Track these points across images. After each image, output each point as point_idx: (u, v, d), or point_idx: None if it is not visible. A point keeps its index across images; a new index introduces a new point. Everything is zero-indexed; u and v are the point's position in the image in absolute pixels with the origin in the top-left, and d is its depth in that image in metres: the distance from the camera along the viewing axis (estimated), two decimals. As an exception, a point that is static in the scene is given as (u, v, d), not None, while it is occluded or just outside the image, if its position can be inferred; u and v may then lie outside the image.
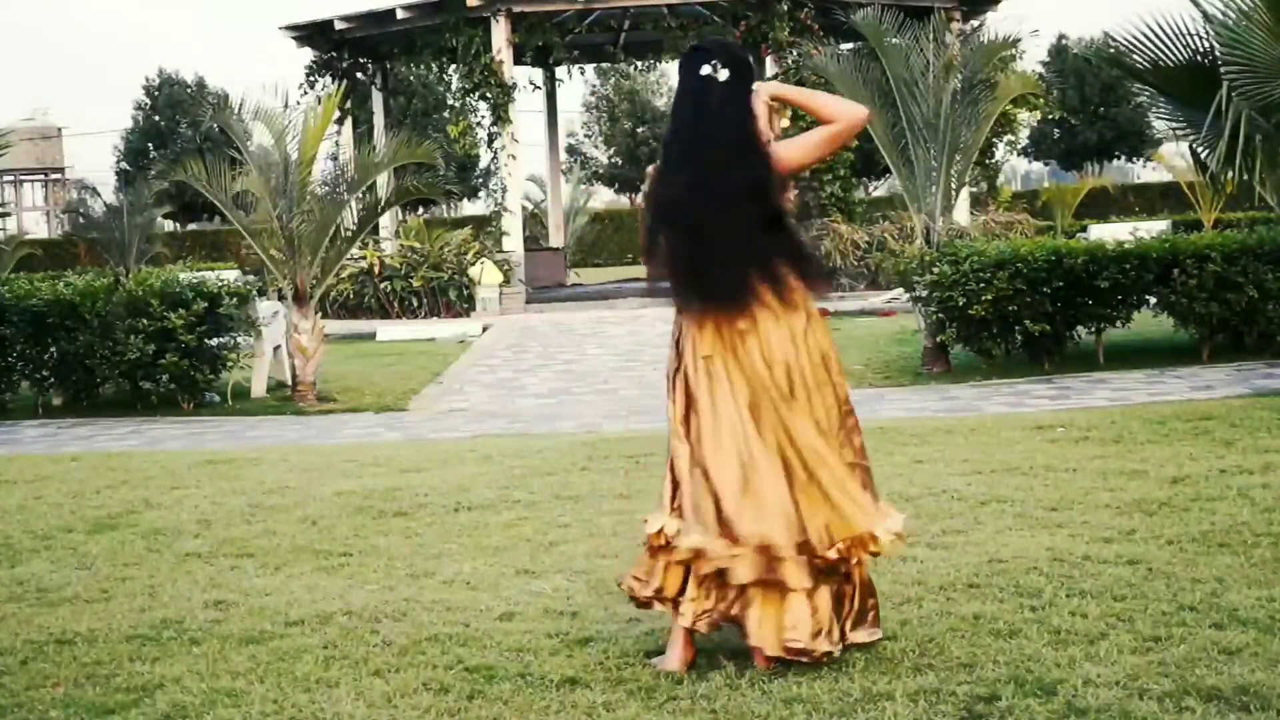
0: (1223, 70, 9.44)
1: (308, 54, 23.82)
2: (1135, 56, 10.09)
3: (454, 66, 23.96)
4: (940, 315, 12.04)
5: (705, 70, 4.10)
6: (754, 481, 3.98)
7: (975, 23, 22.01)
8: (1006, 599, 4.62)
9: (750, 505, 3.97)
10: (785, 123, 4.21)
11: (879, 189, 40.33)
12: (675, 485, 4.12)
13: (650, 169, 4.30)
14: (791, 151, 4.18)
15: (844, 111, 4.20)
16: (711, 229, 4.05)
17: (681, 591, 4.07)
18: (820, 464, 4.03)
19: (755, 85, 4.16)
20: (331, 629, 4.67)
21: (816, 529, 3.99)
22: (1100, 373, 11.58)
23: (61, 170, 51.51)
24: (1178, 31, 9.78)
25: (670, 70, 41.51)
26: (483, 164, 38.65)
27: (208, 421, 11.56)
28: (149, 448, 10.01)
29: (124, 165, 48.03)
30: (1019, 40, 15.09)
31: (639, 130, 48.37)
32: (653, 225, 4.25)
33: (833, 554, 3.99)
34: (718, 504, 3.99)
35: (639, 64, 38.08)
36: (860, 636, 4.14)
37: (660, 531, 4.07)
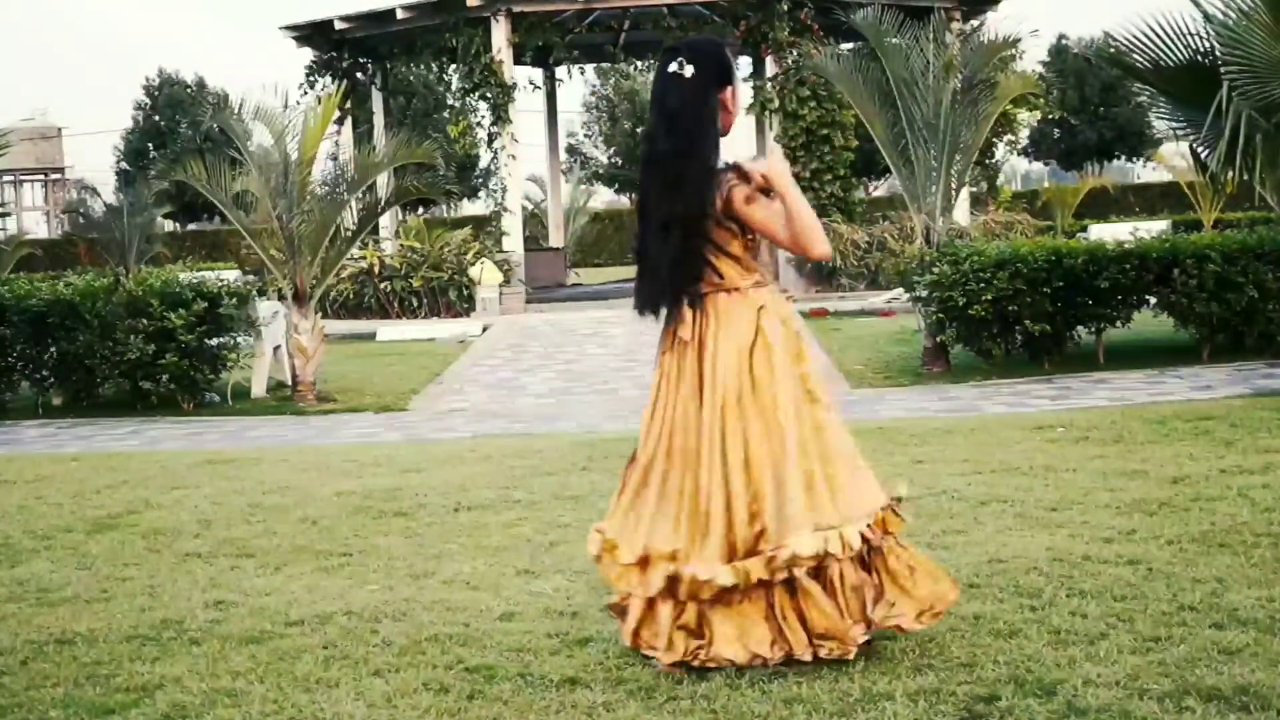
0: (1223, 70, 9.45)
1: (308, 54, 23.83)
2: (1135, 56, 10.09)
3: (454, 66, 23.98)
4: (940, 315, 12.04)
5: (672, 68, 4.11)
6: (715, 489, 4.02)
7: (975, 23, 22.00)
8: (1006, 599, 4.62)
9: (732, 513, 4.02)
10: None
11: (879, 189, 40.34)
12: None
13: None
14: (755, 212, 4.05)
15: (813, 244, 4.04)
16: (647, 230, 4.15)
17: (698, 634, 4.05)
18: (802, 451, 4.04)
19: (773, 147, 4.18)
20: (331, 629, 4.67)
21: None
22: (1100, 373, 11.58)
23: (61, 170, 51.53)
24: (1178, 31, 9.78)
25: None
26: (483, 164, 38.63)
27: (208, 421, 11.56)
28: (149, 448, 10.01)
29: (124, 165, 48.03)
30: (1019, 40, 15.12)
31: (639, 130, 48.32)
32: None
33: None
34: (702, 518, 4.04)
35: (639, 64, 38.02)
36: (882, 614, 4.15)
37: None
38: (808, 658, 4.00)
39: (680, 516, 4.05)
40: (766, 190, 4.06)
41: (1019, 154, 43.75)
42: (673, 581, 4.01)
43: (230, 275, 14.79)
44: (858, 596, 4.04)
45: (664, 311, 4.19)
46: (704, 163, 4.07)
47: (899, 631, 4.14)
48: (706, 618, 4.02)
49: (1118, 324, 12.19)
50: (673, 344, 4.17)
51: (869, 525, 4.04)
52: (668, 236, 4.10)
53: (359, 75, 24.23)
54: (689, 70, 4.08)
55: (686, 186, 4.05)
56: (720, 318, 4.10)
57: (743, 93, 4.33)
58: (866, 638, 4.06)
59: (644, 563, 4.07)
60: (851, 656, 3.99)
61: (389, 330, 18.76)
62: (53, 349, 12.27)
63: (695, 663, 4.01)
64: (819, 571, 4.00)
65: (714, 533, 3.99)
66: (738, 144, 4.35)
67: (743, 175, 4.07)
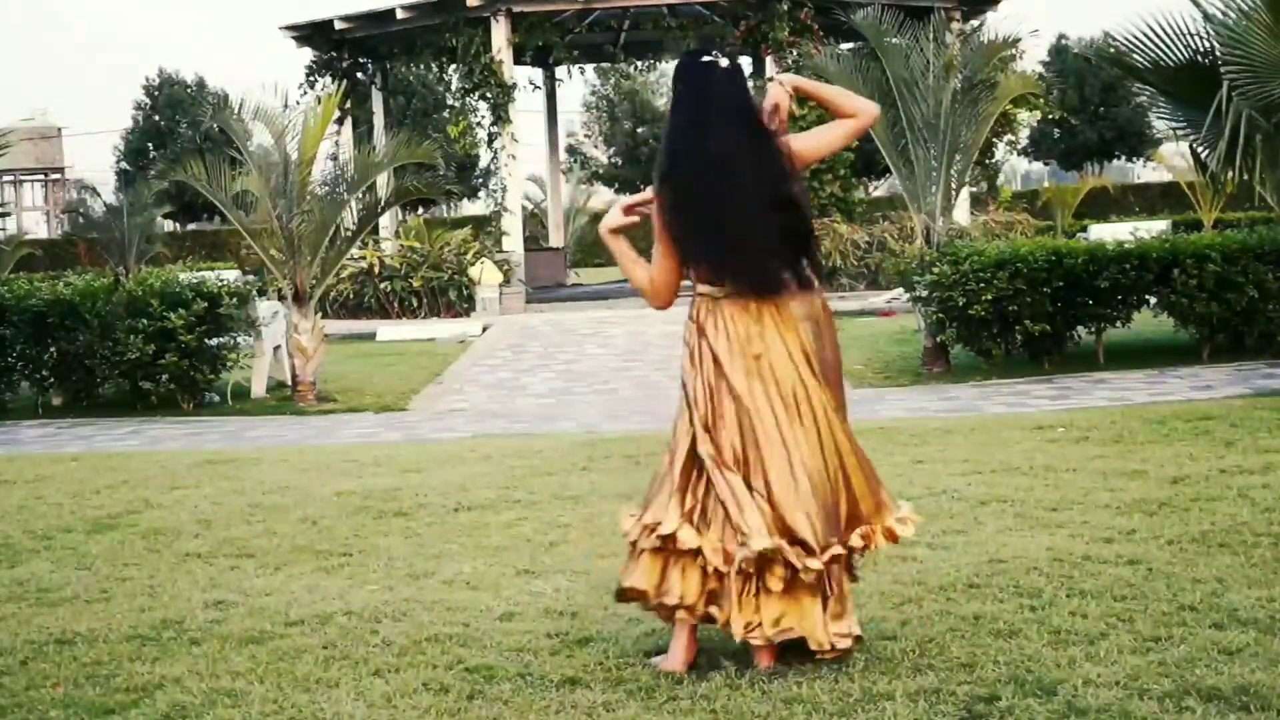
0: (1223, 70, 9.45)
1: (308, 54, 23.83)
2: (1135, 56, 10.10)
3: (454, 66, 23.97)
4: (940, 315, 12.04)
5: (707, 59, 4.12)
6: (801, 477, 3.97)
7: (975, 23, 21.99)
8: (1006, 599, 4.62)
9: (803, 502, 3.96)
10: (793, 110, 4.22)
11: (879, 189, 40.31)
12: (687, 489, 4.05)
13: (653, 187, 4.16)
14: (807, 144, 4.23)
15: (862, 107, 4.27)
16: (733, 215, 4.03)
17: (708, 600, 4.00)
18: (849, 454, 4.07)
19: (780, 76, 4.22)
20: (331, 629, 4.67)
21: (859, 518, 4.05)
22: (1100, 373, 11.58)
23: (61, 170, 51.53)
24: (1178, 31, 9.79)
25: (671, 70, 41.48)
26: (483, 164, 38.63)
27: (208, 421, 11.56)
28: (149, 448, 10.01)
29: (124, 165, 48.02)
30: (1019, 40, 15.09)
31: (639, 130, 48.33)
32: (673, 222, 4.09)
33: (857, 542, 4.04)
34: (773, 505, 3.95)
35: (639, 64, 38.06)
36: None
37: (673, 534, 3.98)
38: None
39: (754, 500, 3.98)
40: (790, 114, 4.17)
41: (1019, 154, 43.74)
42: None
43: (230, 275, 14.80)
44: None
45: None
46: (760, 126, 4.09)
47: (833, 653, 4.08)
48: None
49: (1118, 324, 12.20)
50: (760, 339, 4.06)
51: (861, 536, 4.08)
52: (774, 218, 4.05)
53: (359, 75, 24.24)
54: (724, 62, 4.12)
55: (777, 165, 4.06)
56: (779, 309, 4.08)
57: None
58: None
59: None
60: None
61: (389, 330, 18.76)
62: (53, 349, 12.26)
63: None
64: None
65: (818, 514, 3.97)
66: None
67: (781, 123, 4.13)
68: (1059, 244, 12.31)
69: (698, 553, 3.97)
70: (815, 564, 3.91)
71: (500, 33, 20.73)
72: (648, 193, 4.17)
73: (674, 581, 4.01)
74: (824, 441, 4.02)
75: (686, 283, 4.20)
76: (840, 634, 4.00)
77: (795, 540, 3.92)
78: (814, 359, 4.10)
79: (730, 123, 4.05)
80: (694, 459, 4.05)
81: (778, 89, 4.18)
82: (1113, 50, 10.67)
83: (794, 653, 4.04)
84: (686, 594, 4.00)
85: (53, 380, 12.52)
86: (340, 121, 22.01)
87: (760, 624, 3.95)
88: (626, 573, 4.10)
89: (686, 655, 4.06)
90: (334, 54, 23.58)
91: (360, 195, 13.41)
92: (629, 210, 4.20)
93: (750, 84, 4.22)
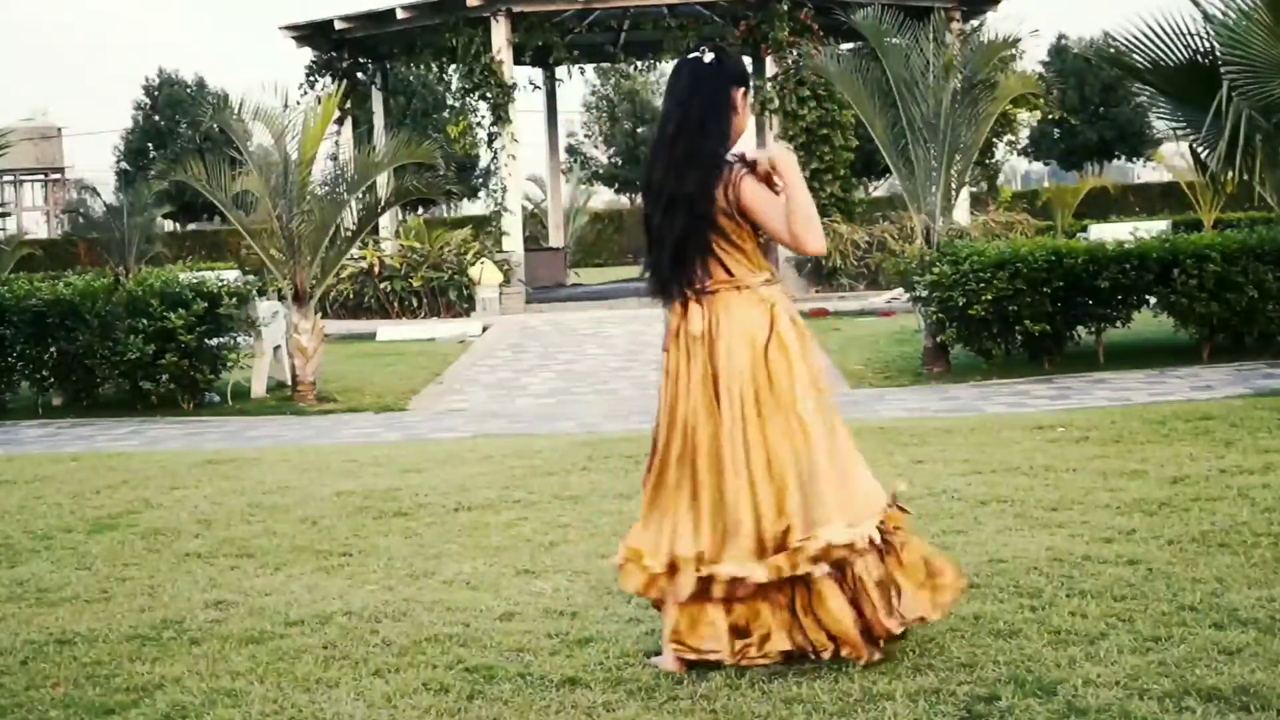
0: (1223, 70, 9.44)
1: (308, 54, 23.83)
2: (1135, 56, 10.09)
3: (454, 66, 23.97)
4: (940, 315, 12.04)
5: (693, 55, 4.16)
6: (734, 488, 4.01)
7: (975, 23, 22.02)
8: (1006, 599, 4.62)
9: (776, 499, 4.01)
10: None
11: (879, 189, 40.33)
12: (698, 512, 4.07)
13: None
14: (758, 197, 4.03)
15: (801, 234, 4.00)
16: (660, 210, 4.12)
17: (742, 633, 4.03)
18: (816, 448, 4.05)
19: (775, 154, 4.09)
20: (331, 629, 4.67)
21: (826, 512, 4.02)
22: (1100, 373, 11.58)
23: (61, 170, 51.54)
24: (1178, 31, 9.78)
25: (670, 70, 41.45)
26: (483, 164, 38.64)
27: (208, 421, 11.56)
28: (149, 448, 10.01)
29: (124, 165, 48.03)
30: (1019, 40, 15.11)
31: (639, 130, 48.36)
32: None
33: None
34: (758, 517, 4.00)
35: (639, 64, 38.05)
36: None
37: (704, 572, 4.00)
38: (827, 656, 4.00)
39: (702, 518, 4.02)
40: (770, 181, 4.06)
41: (1019, 154, 43.75)
42: (705, 583, 3.99)
43: (230, 275, 14.80)
44: (883, 592, 4.02)
45: (673, 303, 4.14)
46: (713, 145, 4.07)
47: (921, 624, 4.12)
48: (756, 615, 4.01)
49: (1118, 324, 12.19)
50: (679, 339, 4.12)
51: (881, 522, 4.05)
52: (674, 217, 4.08)
53: (359, 75, 24.24)
54: (709, 57, 4.12)
55: (693, 166, 4.04)
56: (731, 315, 4.06)
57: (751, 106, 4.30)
58: (901, 630, 4.04)
59: (672, 569, 4.03)
60: (864, 660, 3.97)
61: (389, 330, 18.76)
62: (53, 349, 12.27)
63: (744, 662, 4.00)
64: (842, 570, 3.99)
65: (743, 532, 3.97)
66: (738, 146, 4.36)
67: (750, 165, 4.07)
68: (1059, 244, 12.30)
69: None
70: (758, 567, 3.94)
71: (500, 33, 20.73)
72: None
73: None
74: (775, 439, 4.02)
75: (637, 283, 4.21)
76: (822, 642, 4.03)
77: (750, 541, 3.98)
78: (771, 359, 4.07)
79: (678, 118, 4.08)
80: (665, 462, 4.12)
81: (764, 162, 4.06)
82: (1113, 50, 10.67)
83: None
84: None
85: (53, 380, 12.52)
86: (340, 121, 22.01)
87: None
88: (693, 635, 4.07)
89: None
90: (334, 54, 23.58)
91: (360, 195, 13.41)
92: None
93: (741, 79, 4.17)
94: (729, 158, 4.09)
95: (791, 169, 4.03)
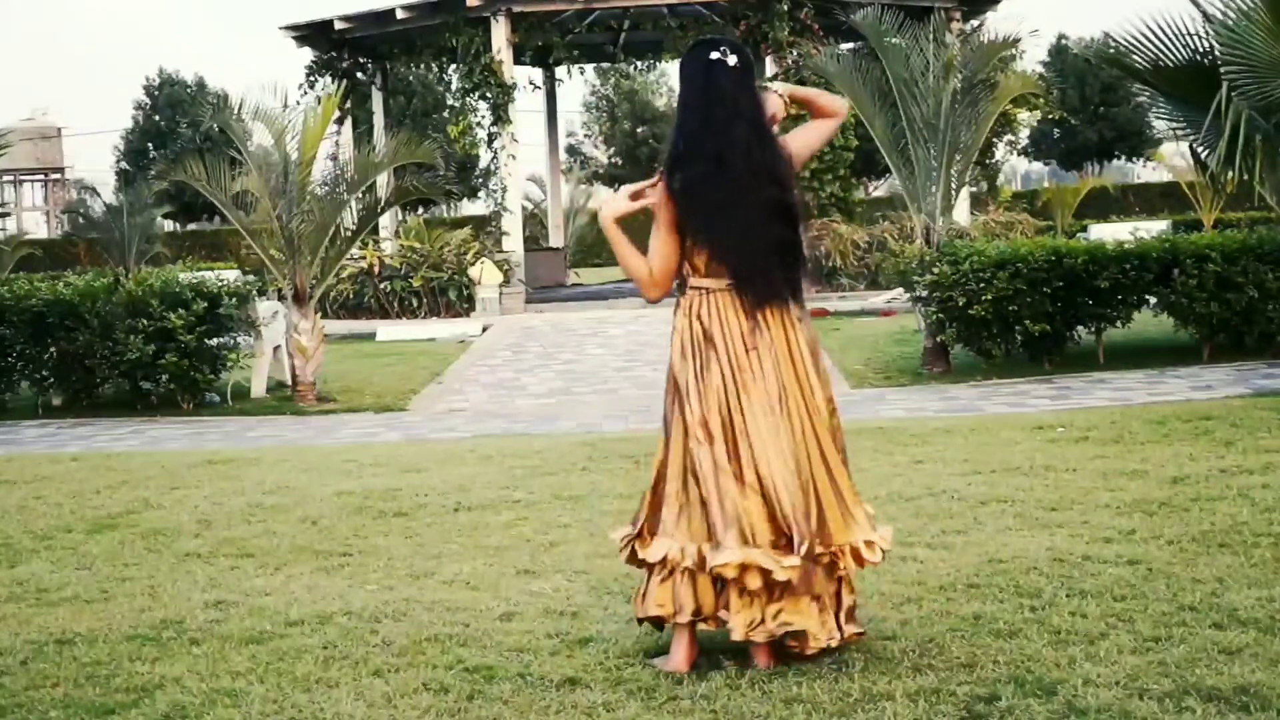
0: (1223, 70, 9.44)
1: (308, 54, 23.82)
2: (1135, 57, 10.09)
3: (454, 66, 23.96)
4: (940, 315, 12.04)
5: (715, 55, 4.11)
6: (802, 482, 4.02)
7: (975, 23, 22.00)
8: (1006, 599, 4.62)
9: (808, 508, 4.01)
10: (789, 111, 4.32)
11: (879, 189, 40.32)
12: (680, 496, 4.09)
13: (658, 176, 4.17)
14: (798, 147, 4.30)
15: (839, 106, 4.41)
16: (743, 219, 4.06)
17: (723, 606, 4.03)
18: (834, 463, 4.09)
19: (774, 85, 4.30)
20: (331, 629, 4.67)
21: (826, 531, 4.03)
22: (1100, 373, 11.58)
23: (61, 170, 51.54)
24: (1178, 31, 9.78)
25: (671, 70, 41.49)
26: (483, 164, 38.66)
27: (208, 421, 11.56)
28: (149, 448, 10.01)
29: (124, 165, 48.03)
30: (1019, 40, 15.10)
31: (639, 130, 48.33)
32: (688, 212, 4.09)
33: (826, 557, 4.03)
34: (771, 510, 3.98)
35: (639, 64, 38.06)
36: (853, 629, 4.14)
37: (665, 557, 4.06)
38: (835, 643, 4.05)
39: (741, 508, 4.00)
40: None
41: (1019, 154, 43.73)
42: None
43: (230, 275, 14.80)
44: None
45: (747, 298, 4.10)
46: (767, 127, 4.14)
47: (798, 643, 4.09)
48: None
49: (1118, 324, 12.19)
50: (753, 334, 4.08)
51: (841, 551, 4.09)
52: (771, 225, 4.10)
53: (359, 75, 24.23)
54: (733, 59, 4.13)
55: (780, 175, 4.11)
56: (777, 315, 4.11)
57: None
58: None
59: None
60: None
61: (389, 330, 18.76)
62: (53, 349, 12.26)
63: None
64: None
65: (765, 525, 3.99)
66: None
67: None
68: (1059, 244, 12.30)
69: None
70: (792, 561, 3.93)
71: (500, 33, 20.73)
72: (651, 181, 4.18)
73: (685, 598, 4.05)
74: (804, 444, 4.04)
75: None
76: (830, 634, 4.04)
77: (783, 537, 3.96)
78: (811, 360, 4.12)
79: (741, 124, 4.07)
80: (683, 460, 4.08)
81: (775, 98, 4.24)
82: (1113, 50, 10.66)
83: (793, 653, 4.04)
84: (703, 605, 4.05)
85: (53, 380, 12.52)
86: (340, 121, 22.00)
87: (762, 620, 3.96)
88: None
89: (688, 655, 4.06)
90: (334, 54, 23.57)
91: (360, 195, 13.41)
92: (635, 196, 4.19)
93: (755, 76, 4.23)
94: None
95: (799, 90, 4.39)
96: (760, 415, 4.01)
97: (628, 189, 4.24)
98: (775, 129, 4.19)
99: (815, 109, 4.37)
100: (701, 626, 4.10)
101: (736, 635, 3.98)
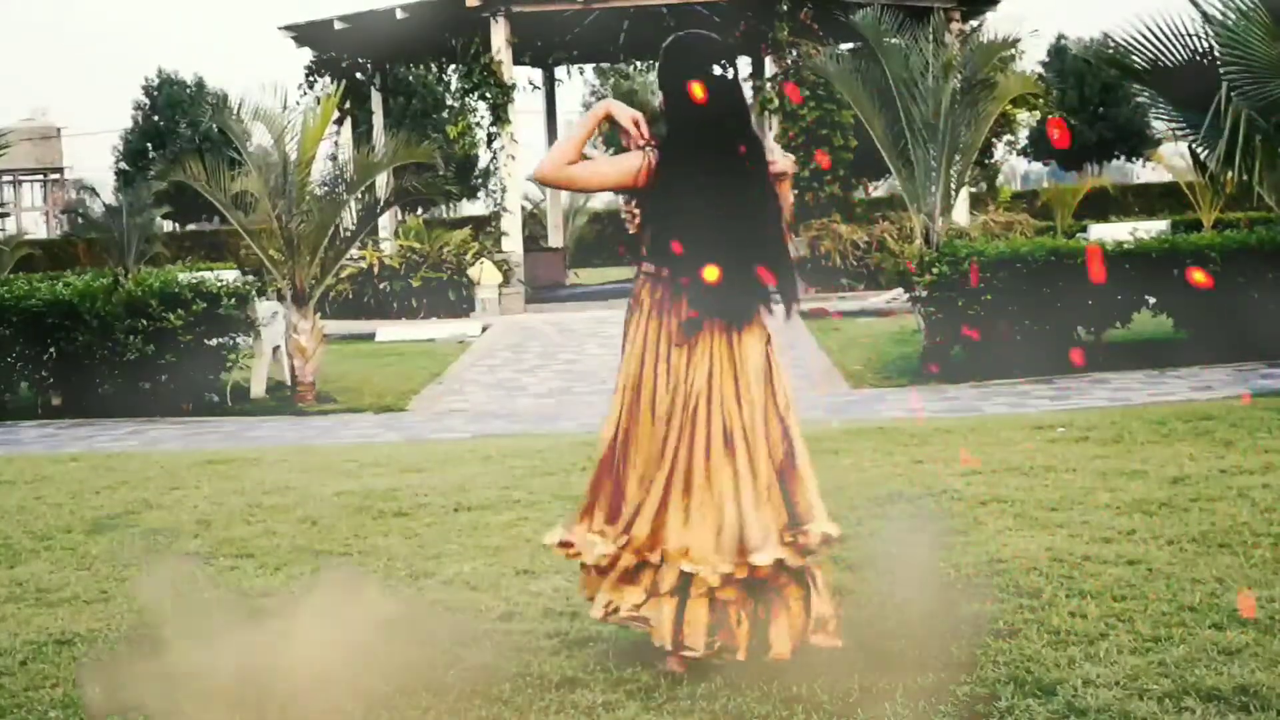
0: (1222, 70, 9.44)
1: (307, 54, 23.82)
2: (1134, 58, 10.08)
3: (453, 66, 23.97)
4: (940, 315, 12.03)
5: (717, 70, 4.11)
6: (680, 481, 4.04)
7: (975, 23, 22.01)
8: (1006, 599, 4.62)
9: (674, 509, 4.03)
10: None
11: (879, 189, 40.32)
12: (609, 498, 4.17)
13: (645, 158, 4.10)
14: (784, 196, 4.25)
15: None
16: (734, 229, 4.06)
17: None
18: (755, 471, 4.06)
19: (782, 161, 4.20)
20: (331, 629, 4.66)
21: (743, 539, 4.03)
22: (1100, 373, 11.57)
23: (61, 170, 51.55)
24: (1177, 32, 9.77)
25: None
26: (482, 164, 38.66)
27: (207, 421, 11.55)
28: (148, 448, 10.00)
29: (123, 165, 48.04)
30: (1018, 40, 15.11)
31: (638, 130, 48.28)
32: (659, 201, 4.09)
33: (757, 565, 3.99)
34: (627, 499, 4.08)
35: (639, 64, 38.02)
36: (819, 641, 4.09)
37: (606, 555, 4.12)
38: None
39: (700, 514, 4.03)
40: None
41: (1019, 154, 43.76)
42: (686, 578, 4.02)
43: (230, 275, 14.80)
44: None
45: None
46: (759, 149, 4.16)
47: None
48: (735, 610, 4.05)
49: (1118, 324, 12.19)
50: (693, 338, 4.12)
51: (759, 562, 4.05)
52: (759, 218, 4.12)
53: (358, 75, 24.22)
54: (730, 73, 4.14)
55: (768, 190, 4.13)
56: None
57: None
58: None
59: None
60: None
61: (388, 330, 18.76)
62: (52, 349, 12.25)
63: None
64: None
65: (728, 530, 4.00)
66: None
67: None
68: (1059, 244, 12.30)
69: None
70: (602, 548, 4.08)
71: (500, 33, 20.72)
72: (647, 140, 4.13)
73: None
74: (679, 449, 4.05)
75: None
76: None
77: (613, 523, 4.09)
78: (746, 368, 4.09)
79: (734, 146, 4.08)
80: (612, 451, 4.19)
81: (785, 159, 4.21)
82: (1112, 51, 10.66)
83: (793, 653, 4.04)
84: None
85: (53, 380, 12.51)
86: (340, 121, 22.01)
87: (617, 608, 4.09)
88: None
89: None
90: (333, 54, 23.56)
91: (360, 195, 13.40)
92: (636, 124, 4.13)
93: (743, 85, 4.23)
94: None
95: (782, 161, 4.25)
96: (662, 406, 4.10)
97: (636, 115, 4.15)
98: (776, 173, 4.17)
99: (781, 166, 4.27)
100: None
101: (594, 614, 4.15)
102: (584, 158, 4.14)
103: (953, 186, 12.62)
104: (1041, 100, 21.51)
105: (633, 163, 4.09)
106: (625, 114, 4.14)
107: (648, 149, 4.11)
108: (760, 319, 4.14)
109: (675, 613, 3.99)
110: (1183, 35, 9.76)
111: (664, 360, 4.12)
